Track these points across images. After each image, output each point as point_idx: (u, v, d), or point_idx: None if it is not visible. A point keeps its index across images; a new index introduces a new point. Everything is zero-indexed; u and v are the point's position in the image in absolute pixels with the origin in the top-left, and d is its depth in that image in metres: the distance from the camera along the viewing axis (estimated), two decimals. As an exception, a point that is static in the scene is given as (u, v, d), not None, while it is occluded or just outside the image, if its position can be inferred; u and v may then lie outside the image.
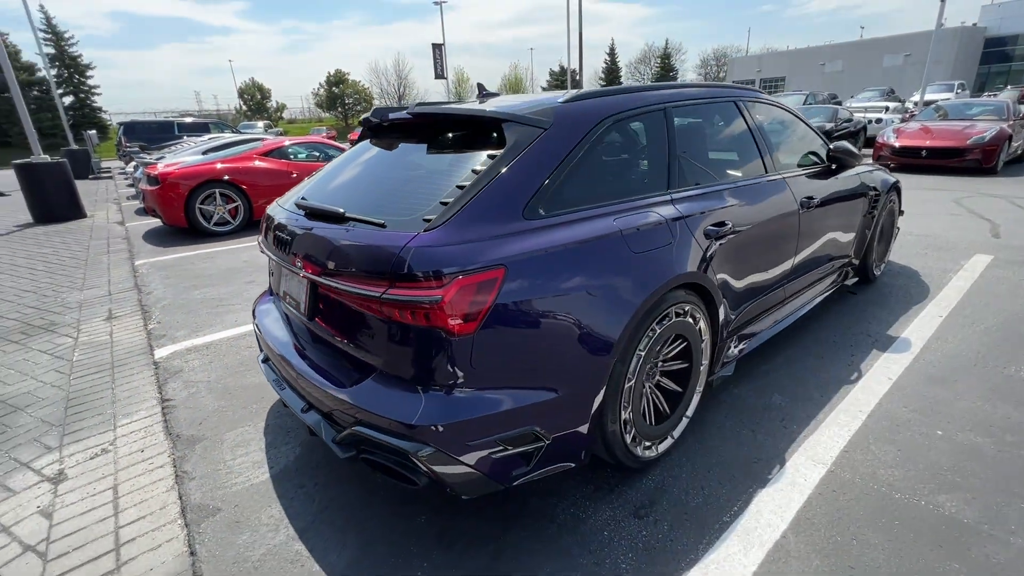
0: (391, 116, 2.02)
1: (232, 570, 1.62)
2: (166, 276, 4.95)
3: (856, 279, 3.57)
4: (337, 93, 55.00)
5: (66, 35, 35.79)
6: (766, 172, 2.51)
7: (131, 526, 1.83)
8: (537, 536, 1.67)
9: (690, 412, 2.10)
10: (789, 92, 19.62)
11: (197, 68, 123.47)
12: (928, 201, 6.59)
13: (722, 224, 2.04)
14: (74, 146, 17.66)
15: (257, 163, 7.14)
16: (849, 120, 12.02)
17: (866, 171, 3.38)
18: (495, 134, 1.68)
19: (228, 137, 9.00)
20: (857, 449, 2.02)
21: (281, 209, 1.98)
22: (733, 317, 2.21)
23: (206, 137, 10.76)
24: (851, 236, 3.25)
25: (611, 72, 60.41)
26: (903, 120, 11.94)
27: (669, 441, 2.00)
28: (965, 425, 2.14)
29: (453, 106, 1.91)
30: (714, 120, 2.51)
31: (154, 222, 7.55)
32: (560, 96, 1.85)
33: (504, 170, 1.54)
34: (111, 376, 2.95)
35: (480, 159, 1.61)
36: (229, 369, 2.96)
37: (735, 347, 2.31)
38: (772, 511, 1.73)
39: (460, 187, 1.52)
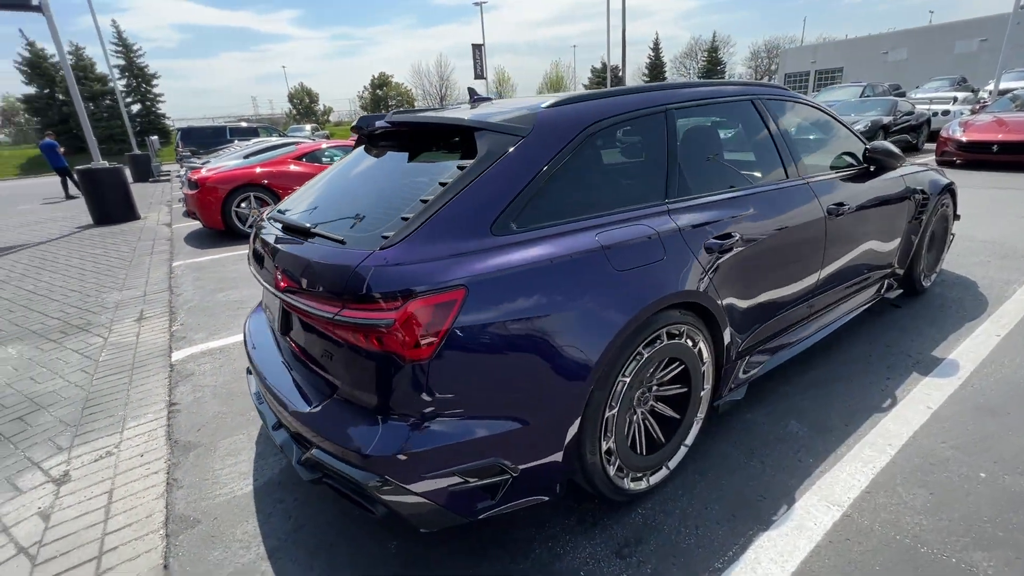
0: (377, 124, 1.97)
1: (199, 588, 1.61)
2: (197, 278, 5.15)
3: (900, 291, 3.24)
4: (381, 95, 56.31)
5: (135, 47, 38.34)
6: (787, 177, 2.29)
7: (117, 534, 1.85)
8: (505, 574, 1.57)
9: (690, 440, 1.93)
10: (845, 84, 18.36)
11: (255, 75, 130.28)
12: (996, 202, 5.97)
13: (727, 236, 1.86)
14: (137, 151, 18.87)
15: (291, 167, 7.37)
16: (910, 113, 11.08)
17: (912, 172, 3.05)
18: (470, 144, 1.59)
19: (272, 141, 9.35)
20: (881, 490, 1.79)
21: (264, 221, 1.97)
22: (741, 339, 2.01)
23: (253, 141, 11.23)
24: (893, 244, 2.94)
25: (655, 67, 58.72)
26: (973, 111, 10.94)
27: (664, 472, 1.85)
28: (1015, 467, 1.86)
29: (429, 114, 1.83)
30: (726, 121, 2.31)
31: (197, 224, 7.91)
32: (545, 101, 1.73)
33: (471, 182, 1.44)
34: (129, 378, 3.06)
35: (450, 170, 1.52)
36: (236, 374, 3.01)
37: (746, 370, 2.11)
38: (772, 559, 1.55)
39: (424, 201, 1.43)
